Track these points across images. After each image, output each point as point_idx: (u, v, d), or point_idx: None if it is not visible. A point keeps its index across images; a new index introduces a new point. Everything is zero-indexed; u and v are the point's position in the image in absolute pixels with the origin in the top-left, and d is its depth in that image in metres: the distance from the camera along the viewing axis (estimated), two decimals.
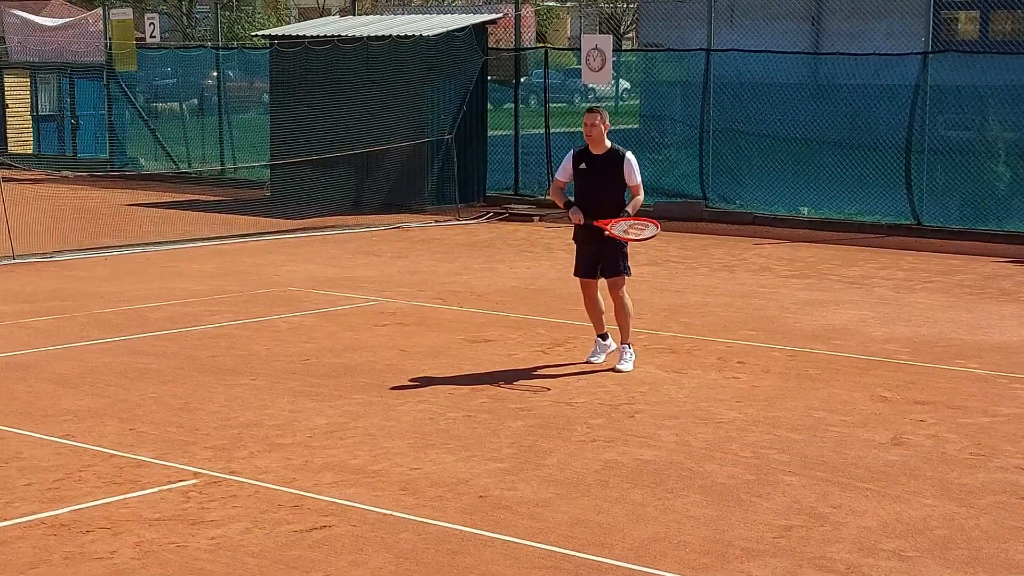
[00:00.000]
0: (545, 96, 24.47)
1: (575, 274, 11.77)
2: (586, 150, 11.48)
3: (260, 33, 30.33)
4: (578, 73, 24.91)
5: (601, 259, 11.46)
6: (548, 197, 23.38)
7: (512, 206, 23.02)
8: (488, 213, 22.61)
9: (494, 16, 24.31)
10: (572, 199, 11.49)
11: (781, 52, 21.83)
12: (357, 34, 23.64)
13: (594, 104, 12.09)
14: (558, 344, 12.47)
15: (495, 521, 7.73)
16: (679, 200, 22.18)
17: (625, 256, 11.53)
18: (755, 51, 21.76)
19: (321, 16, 37.31)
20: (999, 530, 7.58)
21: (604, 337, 11.77)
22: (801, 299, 14.85)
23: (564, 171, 11.64)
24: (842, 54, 21.58)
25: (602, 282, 11.61)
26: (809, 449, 9.15)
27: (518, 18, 25.36)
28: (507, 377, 11.20)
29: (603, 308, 11.71)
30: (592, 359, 11.69)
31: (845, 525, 7.66)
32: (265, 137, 25.48)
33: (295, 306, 14.46)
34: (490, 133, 24.23)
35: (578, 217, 11.33)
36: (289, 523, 7.72)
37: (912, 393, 10.68)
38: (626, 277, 11.56)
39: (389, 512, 7.89)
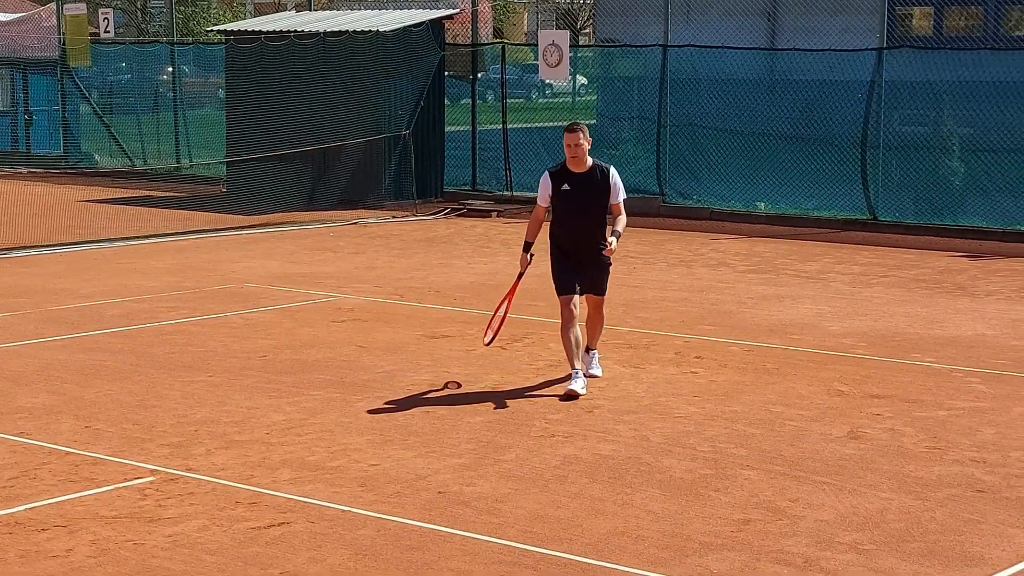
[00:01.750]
0: (503, 91, 24.47)
1: (557, 291, 10.76)
2: (564, 169, 10.64)
3: (215, 28, 30.18)
4: (535, 68, 24.95)
5: (595, 275, 10.74)
6: (506, 192, 23.47)
7: (470, 202, 23.00)
8: (446, 209, 22.58)
9: (451, 11, 24.30)
10: (532, 242, 10.81)
11: (737, 48, 21.91)
12: (313, 29, 23.56)
13: (574, 120, 10.86)
14: (516, 340, 12.46)
15: (454, 517, 7.73)
16: (636, 195, 22.18)
17: (607, 274, 10.86)
18: (711, 47, 21.84)
19: (277, 12, 37.18)
20: (955, 522, 7.63)
21: (578, 371, 10.58)
22: (758, 294, 14.90)
23: (543, 195, 10.75)
24: (798, 50, 21.68)
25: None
26: (767, 443, 9.19)
27: (475, 13, 25.36)
28: (466, 373, 11.19)
29: (580, 339, 10.75)
30: (574, 388, 10.44)
31: (803, 519, 7.69)
32: (221, 133, 25.34)
33: (252, 302, 14.39)
34: (447, 129, 24.20)
35: (522, 268, 10.93)
36: (247, 520, 7.68)
37: (868, 387, 10.73)
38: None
39: (347, 508, 7.87)
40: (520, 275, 11.07)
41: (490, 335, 10.98)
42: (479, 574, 6.91)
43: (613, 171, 10.72)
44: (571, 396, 10.36)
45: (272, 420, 9.77)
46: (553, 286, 10.89)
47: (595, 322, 11.04)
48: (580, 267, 10.73)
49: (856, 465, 8.69)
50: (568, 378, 10.59)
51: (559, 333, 10.79)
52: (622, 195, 10.75)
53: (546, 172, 10.78)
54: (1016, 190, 19.46)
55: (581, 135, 10.51)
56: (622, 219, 10.69)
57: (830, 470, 8.59)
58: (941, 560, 7.06)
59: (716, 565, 7.00)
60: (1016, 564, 7.01)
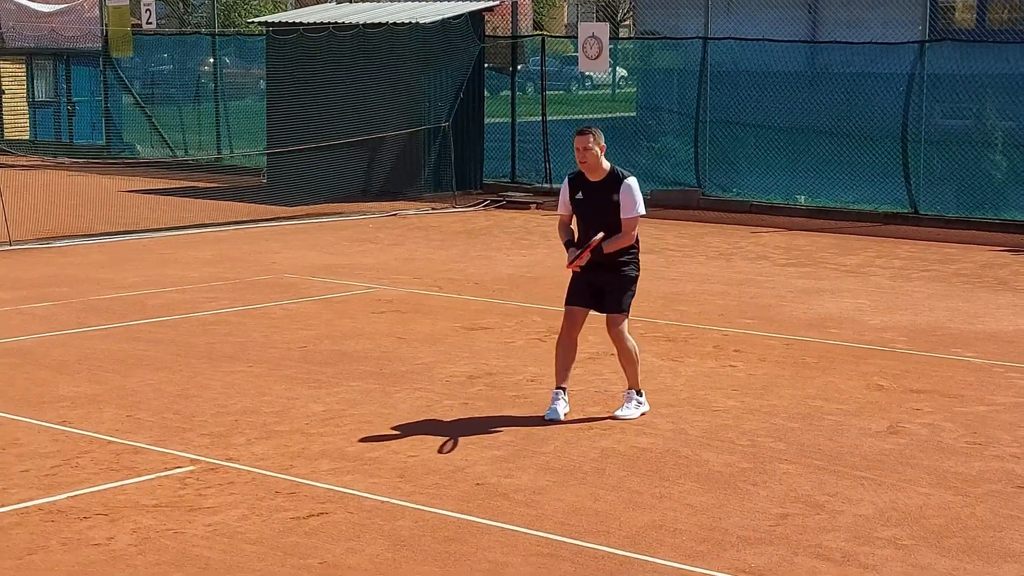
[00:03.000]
0: (542, 83, 24.46)
1: (565, 301, 9.86)
2: (581, 176, 9.68)
3: (256, 20, 30.28)
4: (575, 60, 24.95)
5: (609, 292, 9.66)
6: (545, 185, 23.47)
7: (509, 194, 23.01)
8: (485, 201, 22.60)
9: (491, 3, 24.27)
10: (570, 238, 9.73)
11: (778, 40, 21.82)
12: (352, 21, 23.61)
13: (584, 125, 9.70)
14: (554, 332, 12.41)
15: (492, 508, 7.74)
16: (676, 188, 22.17)
17: (630, 292, 9.73)
18: (752, 39, 21.76)
19: (317, 3, 37.28)
20: (995, 519, 7.59)
21: (563, 391, 9.74)
22: (798, 287, 14.85)
23: (563, 204, 9.80)
24: (839, 42, 21.58)
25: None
26: (805, 437, 9.16)
27: (515, 5, 25.35)
28: (504, 365, 11.20)
29: (574, 358, 9.82)
30: (553, 415, 9.58)
31: (841, 513, 7.68)
32: (261, 124, 25.45)
33: (292, 293, 14.45)
34: (487, 121, 24.22)
35: (575, 264, 9.58)
36: (286, 510, 7.72)
37: (908, 382, 10.69)
38: (624, 317, 9.68)
39: (386, 499, 7.90)
40: (588, 248, 9.49)
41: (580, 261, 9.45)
42: (516, 566, 6.92)
43: (630, 181, 9.55)
44: (551, 421, 9.49)
45: (312, 411, 9.81)
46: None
47: (619, 352, 9.72)
48: (594, 284, 9.67)
49: (895, 460, 8.66)
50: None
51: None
52: (636, 211, 9.54)
53: (566, 178, 9.84)
54: None
55: (591, 139, 9.48)
56: (622, 236, 9.52)
57: (869, 465, 8.56)
58: (981, 556, 7.04)
59: (754, 559, 6.99)
60: None
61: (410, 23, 22.98)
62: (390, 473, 8.38)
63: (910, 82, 20.24)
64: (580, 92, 41.21)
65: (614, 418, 9.60)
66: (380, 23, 23.28)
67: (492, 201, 22.55)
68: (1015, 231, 18.95)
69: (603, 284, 9.63)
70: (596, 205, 9.55)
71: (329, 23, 23.74)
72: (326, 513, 7.67)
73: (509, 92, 24.88)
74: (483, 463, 8.58)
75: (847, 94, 21.42)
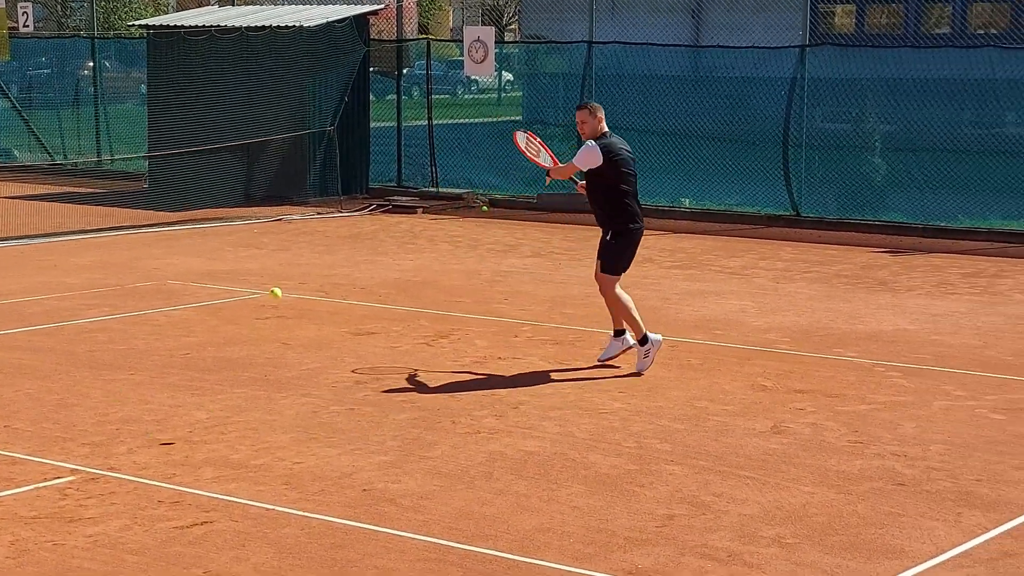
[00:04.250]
0: (428, 87, 24.41)
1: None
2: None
3: (136, 23, 29.87)
4: (461, 65, 24.91)
5: (600, 250, 11.34)
6: (431, 189, 23.44)
7: (395, 198, 22.93)
8: (371, 205, 22.50)
9: (375, 7, 24.18)
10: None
11: (662, 45, 22.01)
12: (235, 24, 23.38)
13: (585, 100, 11.68)
14: (442, 336, 12.44)
15: (379, 514, 7.69)
16: (563, 192, 22.24)
17: (609, 255, 11.17)
18: (636, 43, 21.91)
19: (200, 6, 36.88)
20: (876, 516, 7.70)
21: (618, 334, 11.30)
22: (683, 289, 14.97)
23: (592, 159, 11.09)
24: (722, 47, 21.81)
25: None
26: (691, 438, 9.23)
27: (400, 9, 25.29)
28: (391, 370, 11.15)
29: (627, 304, 11.15)
30: (602, 356, 11.30)
31: (726, 513, 7.74)
32: (143, 128, 25.08)
33: (175, 300, 14.26)
34: (373, 125, 24.10)
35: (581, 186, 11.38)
36: (169, 519, 7.61)
37: (791, 382, 10.82)
38: (611, 278, 11.14)
39: (271, 507, 7.81)
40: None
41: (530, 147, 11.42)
42: (404, 572, 6.88)
43: (589, 142, 10.89)
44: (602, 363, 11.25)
45: (195, 418, 9.68)
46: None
47: (607, 302, 11.28)
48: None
49: (779, 460, 8.75)
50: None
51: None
52: (575, 160, 10.99)
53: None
54: (936, 186, 19.69)
55: (587, 112, 10.92)
56: (559, 165, 11.33)
57: (754, 465, 8.64)
58: (863, 553, 7.13)
59: (641, 560, 7.02)
60: (936, 556, 7.09)
61: (294, 26, 22.82)
62: (276, 480, 8.30)
63: (791, 86, 20.52)
64: (466, 96, 41.23)
65: (637, 374, 10.97)
66: (263, 26, 23.08)
67: (378, 205, 22.45)
68: (894, 233, 19.28)
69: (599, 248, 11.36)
70: (590, 174, 11.05)
71: (211, 26, 23.48)
72: (210, 522, 7.56)
73: (395, 96, 24.81)
74: (370, 469, 8.53)
75: (730, 98, 21.67)
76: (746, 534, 7.40)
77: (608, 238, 11.22)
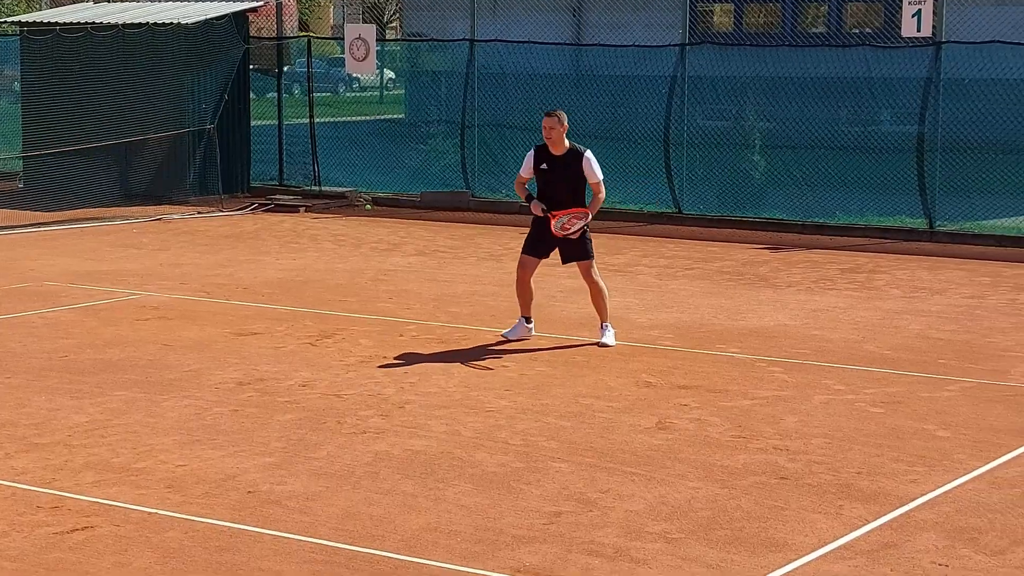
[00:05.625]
0: (309, 85, 24.26)
1: (522, 250, 12.18)
2: (545, 148, 11.84)
3: (9, 19, 29.28)
4: (342, 62, 24.80)
5: (572, 245, 11.94)
6: (314, 188, 23.29)
7: (277, 197, 22.74)
8: (253, 204, 22.28)
9: (255, 4, 23.94)
10: (534, 194, 11.96)
11: (543, 43, 22.09)
12: (112, 21, 23.01)
13: (551, 108, 12.32)
14: (326, 336, 12.36)
15: (264, 516, 7.62)
16: (445, 190, 22.23)
17: (588, 241, 12.03)
18: (518, 41, 21.96)
19: (75, 2, 36.28)
20: (760, 509, 7.79)
21: (528, 320, 12.19)
22: (567, 287, 15.02)
23: (526, 168, 12.01)
24: (602, 45, 21.95)
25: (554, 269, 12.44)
26: (577, 435, 9.26)
27: (279, 6, 25.07)
28: (275, 370, 11.05)
29: (532, 294, 12.19)
30: (507, 334, 12.13)
31: (613, 509, 7.78)
32: (17, 127, 24.60)
33: (52, 301, 14.00)
34: (253, 123, 23.88)
35: (538, 208, 11.82)
36: (48, 525, 7.46)
37: (675, 378, 10.91)
38: (592, 260, 12.08)
39: (154, 511, 7.69)
40: (540, 211, 11.87)
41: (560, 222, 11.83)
42: (291, 574, 6.82)
43: (588, 154, 11.83)
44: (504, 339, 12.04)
45: (74, 422, 9.51)
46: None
47: (593, 293, 12.07)
48: (547, 240, 11.97)
49: (664, 455, 8.82)
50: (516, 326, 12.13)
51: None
52: (598, 174, 11.86)
53: (532, 148, 12.00)
54: (814, 183, 20.00)
55: (556, 119, 11.71)
56: (598, 198, 11.95)
57: (639, 461, 8.70)
58: (747, 547, 7.21)
59: (528, 558, 7.03)
60: (818, 549, 7.19)
61: (172, 24, 22.52)
62: (158, 484, 8.18)
63: (672, 84, 20.70)
64: (348, 94, 41.05)
65: (600, 344, 11.85)
66: (141, 23, 22.74)
67: (260, 204, 22.24)
68: (774, 229, 19.53)
69: (563, 242, 11.92)
70: (561, 174, 11.79)
71: (87, 23, 23.09)
72: (91, 527, 7.43)
73: (275, 94, 24.60)
74: (255, 470, 8.44)
75: (611, 96, 21.80)
76: (632, 530, 7.44)
77: (584, 233, 11.97)
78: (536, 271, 12.22)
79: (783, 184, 20.38)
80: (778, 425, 9.56)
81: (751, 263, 16.89)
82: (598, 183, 11.91)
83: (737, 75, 20.66)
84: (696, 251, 17.90)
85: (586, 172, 11.83)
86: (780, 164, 20.50)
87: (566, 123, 11.81)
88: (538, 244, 12.10)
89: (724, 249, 18.06)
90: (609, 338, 11.97)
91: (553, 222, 11.71)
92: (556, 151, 11.83)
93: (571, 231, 11.84)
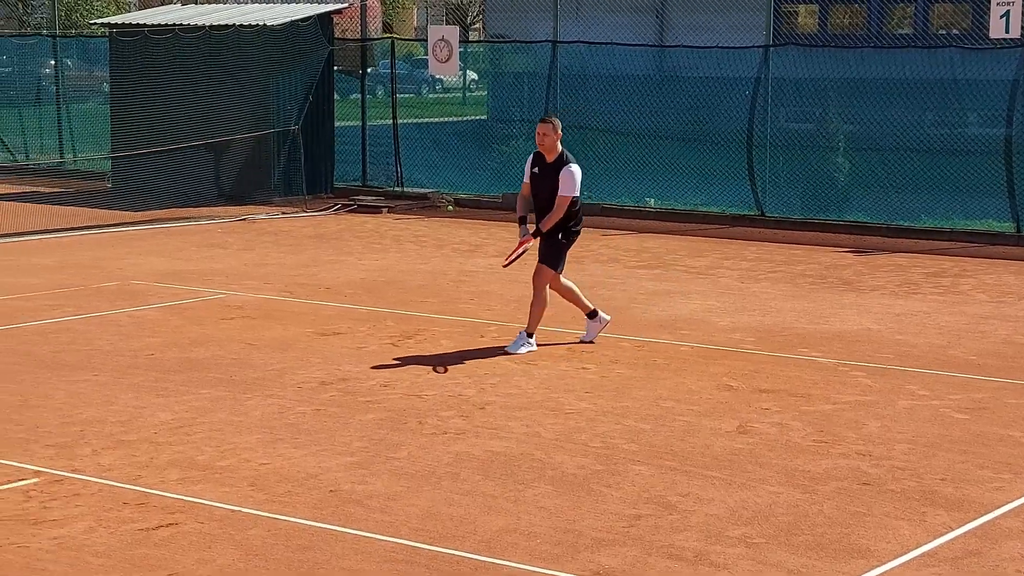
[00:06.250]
0: (392, 87, 24.38)
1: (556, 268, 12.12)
2: (541, 154, 11.91)
3: (99, 21, 29.72)
4: (425, 64, 24.90)
5: (542, 248, 12.00)
6: (396, 188, 23.43)
7: (360, 197, 22.89)
8: (336, 205, 22.45)
9: (339, 5, 24.13)
10: (524, 215, 12.01)
11: (626, 44, 22.04)
12: (199, 23, 23.28)
13: (547, 115, 12.59)
14: (407, 336, 12.42)
15: (346, 516, 7.68)
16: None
17: (558, 254, 11.96)
18: (600, 43, 21.94)
19: (162, 4, 36.76)
20: (841, 515, 7.73)
21: (592, 315, 12.26)
22: (648, 289, 15.00)
23: (526, 175, 12.02)
24: (686, 47, 21.86)
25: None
26: (657, 438, 9.25)
27: (364, 8, 25.23)
28: (357, 370, 11.13)
29: (575, 292, 12.20)
30: (586, 338, 12.22)
31: (693, 513, 7.75)
32: (106, 127, 24.96)
33: (139, 300, 14.19)
34: (337, 124, 24.06)
35: (525, 240, 11.90)
36: (134, 521, 7.57)
37: (757, 382, 10.85)
38: (552, 272, 11.97)
39: (237, 508, 7.78)
40: (521, 245, 11.94)
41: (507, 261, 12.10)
42: (371, 573, 6.87)
43: (571, 167, 11.75)
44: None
45: (160, 419, 9.64)
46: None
47: (534, 298, 12.00)
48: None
49: (745, 459, 8.78)
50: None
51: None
52: (570, 190, 11.70)
53: (531, 154, 12.02)
54: (900, 186, 19.80)
55: (550, 127, 11.75)
56: (553, 212, 11.70)
57: (720, 464, 8.66)
58: (828, 553, 7.16)
59: (607, 560, 7.03)
60: (900, 556, 7.12)
61: (258, 25, 22.74)
62: (242, 482, 8.26)
63: (755, 86, 20.59)
64: (431, 95, 41.22)
65: (505, 352, 11.69)
66: (227, 25, 22.99)
67: (343, 205, 22.40)
68: (858, 232, 19.37)
69: (541, 246, 11.96)
70: (544, 181, 11.80)
71: (175, 25, 23.38)
72: (176, 524, 7.53)
73: (359, 95, 24.75)
74: (336, 470, 8.51)
75: (694, 98, 21.72)
76: (712, 534, 7.42)
77: (560, 238, 11.90)
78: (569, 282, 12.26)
79: (867, 187, 20.20)
80: (861, 430, 9.48)
81: (834, 266, 16.76)
82: (563, 197, 11.70)
83: (821, 77, 20.49)
84: (779, 254, 17.79)
85: (560, 180, 11.69)
86: (864, 166, 20.32)
87: (560, 131, 11.85)
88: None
89: (807, 252, 17.93)
90: (516, 347, 11.80)
91: (513, 253, 11.97)
92: (549, 158, 11.83)
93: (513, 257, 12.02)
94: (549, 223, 11.75)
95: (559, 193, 11.68)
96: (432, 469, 8.54)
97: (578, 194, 11.83)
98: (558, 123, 11.88)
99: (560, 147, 11.81)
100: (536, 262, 12.03)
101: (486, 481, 8.31)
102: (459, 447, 9.01)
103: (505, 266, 12.23)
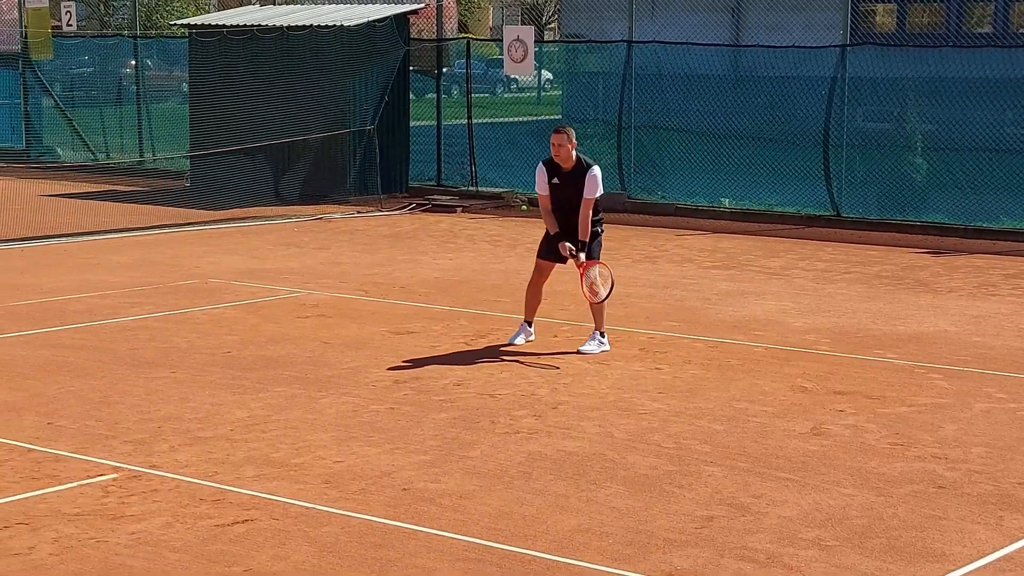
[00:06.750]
0: (467, 86, 24.45)
1: (539, 255, 12.17)
2: (553, 163, 11.86)
3: (178, 22, 30.04)
4: (500, 64, 24.93)
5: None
6: (471, 188, 23.48)
7: (435, 197, 22.98)
8: (411, 204, 22.55)
9: (415, 6, 24.23)
10: (559, 231, 11.86)
11: (702, 44, 21.96)
12: (276, 23, 23.48)
13: (560, 124, 12.41)
14: (481, 336, 12.47)
15: (418, 514, 7.72)
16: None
17: (598, 244, 12.06)
18: (676, 43, 21.87)
19: (240, 5, 37.09)
20: (916, 519, 7.68)
21: (530, 324, 12.23)
22: (723, 290, 14.95)
23: (540, 184, 11.95)
24: (762, 46, 21.74)
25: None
26: (730, 439, 9.22)
27: (440, 8, 25.31)
28: (430, 369, 11.18)
29: (540, 300, 12.22)
30: (514, 340, 12.09)
31: (766, 515, 7.73)
32: (184, 127, 25.23)
33: (216, 298, 14.34)
34: (412, 123, 24.16)
35: (566, 249, 11.81)
36: (210, 517, 7.66)
37: (831, 383, 10.78)
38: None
39: (312, 505, 7.85)
40: (585, 272, 11.83)
41: (592, 294, 11.92)
42: (443, 571, 6.91)
43: (594, 169, 11.78)
44: (510, 345, 11.97)
45: (236, 417, 9.74)
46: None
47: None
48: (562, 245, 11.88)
49: (819, 461, 8.73)
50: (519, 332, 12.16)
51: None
52: (596, 192, 11.74)
53: (540, 162, 11.97)
54: (978, 186, 19.58)
55: (565, 137, 11.72)
56: (582, 223, 11.72)
57: (793, 466, 8.62)
58: (903, 556, 7.11)
59: (680, 561, 7.02)
60: (976, 560, 7.06)
61: (334, 26, 22.90)
62: (316, 479, 8.34)
63: (832, 86, 20.44)
64: (505, 95, 41.25)
65: (579, 351, 11.71)
66: (304, 26, 23.17)
67: (418, 204, 22.50)
68: (935, 233, 19.18)
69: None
70: (567, 190, 11.77)
71: (252, 25, 23.60)
72: (251, 520, 7.61)
73: (434, 95, 24.84)
74: (410, 468, 8.56)
75: (770, 97, 21.60)
76: (785, 536, 7.39)
77: (599, 229, 12.07)
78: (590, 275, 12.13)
79: (945, 187, 19.99)
80: (937, 433, 9.40)
81: (911, 267, 16.61)
82: (588, 200, 11.74)
83: (899, 76, 20.30)
84: (854, 255, 17.66)
85: (586, 185, 11.70)
86: (943, 167, 20.11)
87: (575, 139, 11.84)
88: (555, 250, 11.99)
89: (883, 253, 17.79)
90: (592, 347, 11.83)
91: (583, 273, 11.79)
92: (566, 167, 11.80)
93: (595, 296, 11.85)
94: (586, 232, 11.80)
95: (584, 196, 11.70)
96: (504, 468, 8.57)
97: (600, 195, 11.87)
98: (572, 132, 11.86)
99: (575, 154, 11.79)
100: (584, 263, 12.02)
101: (558, 481, 8.33)
102: (532, 447, 9.03)
103: (597, 302, 11.92)
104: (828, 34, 20.70)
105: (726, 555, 7.11)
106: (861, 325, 13.06)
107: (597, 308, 11.90)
